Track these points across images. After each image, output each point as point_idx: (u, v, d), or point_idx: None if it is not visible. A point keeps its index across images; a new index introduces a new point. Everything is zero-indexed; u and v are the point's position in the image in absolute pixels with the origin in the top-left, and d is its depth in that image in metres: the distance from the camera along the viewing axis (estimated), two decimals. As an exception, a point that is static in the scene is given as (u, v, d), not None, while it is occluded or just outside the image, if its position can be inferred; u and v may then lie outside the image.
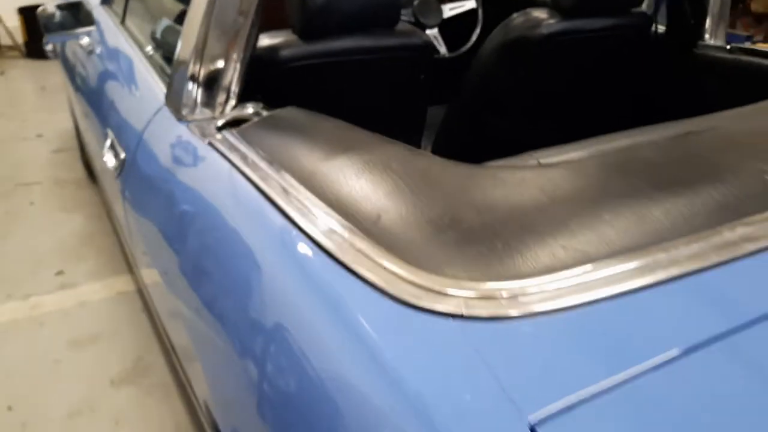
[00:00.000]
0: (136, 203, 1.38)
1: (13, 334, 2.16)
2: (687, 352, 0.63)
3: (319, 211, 0.82)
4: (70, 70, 2.40)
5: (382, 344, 0.66)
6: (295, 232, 0.82)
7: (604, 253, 0.73)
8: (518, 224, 0.79)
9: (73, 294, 2.36)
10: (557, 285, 0.69)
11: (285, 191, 0.88)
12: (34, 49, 5.04)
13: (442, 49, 2.31)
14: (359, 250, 0.75)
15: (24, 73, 4.82)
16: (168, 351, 2.05)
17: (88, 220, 2.84)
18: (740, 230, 0.78)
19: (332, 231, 0.79)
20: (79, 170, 3.23)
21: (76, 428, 1.80)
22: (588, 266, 0.71)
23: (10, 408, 1.87)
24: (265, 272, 0.84)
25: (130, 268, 2.48)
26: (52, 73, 4.50)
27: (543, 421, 0.56)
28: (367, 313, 0.69)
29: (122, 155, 1.44)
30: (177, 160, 1.17)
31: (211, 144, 1.09)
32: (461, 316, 0.66)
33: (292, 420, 0.73)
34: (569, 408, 0.58)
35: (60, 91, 3.82)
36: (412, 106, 1.66)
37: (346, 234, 0.77)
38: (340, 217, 0.80)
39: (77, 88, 2.22)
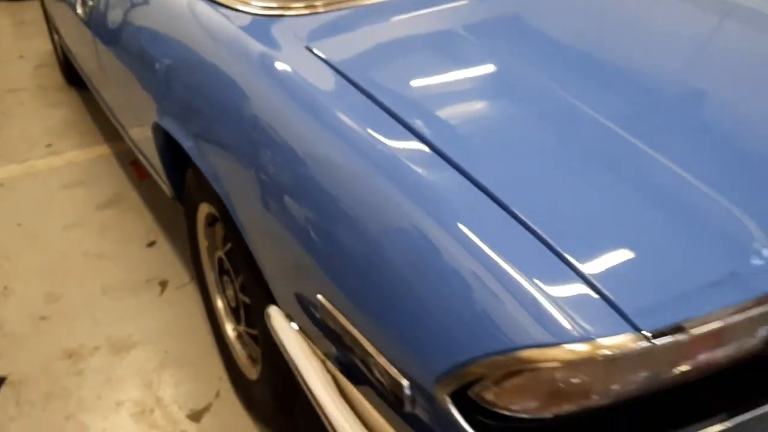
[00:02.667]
0: (105, 35, 1.93)
1: (16, 183, 2.73)
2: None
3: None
4: None
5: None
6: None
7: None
8: None
9: (62, 158, 2.92)
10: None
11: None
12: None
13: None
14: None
15: (3, 11, 5.29)
16: (137, 184, 2.63)
17: (70, 112, 3.38)
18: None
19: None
20: (59, 78, 3.76)
21: (71, 235, 2.38)
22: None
23: (19, 224, 2.44)
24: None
25: (107, 139, 3.05)
26: (30, 9, 4.99)
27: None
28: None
29: (90, 2, 1.99)
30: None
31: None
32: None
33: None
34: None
35: (38, 23, 4.31)
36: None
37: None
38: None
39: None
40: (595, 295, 0.74)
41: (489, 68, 1.16)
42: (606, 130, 0.97)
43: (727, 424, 0.82)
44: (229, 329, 1.67)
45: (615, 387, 0.78)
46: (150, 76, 1.56)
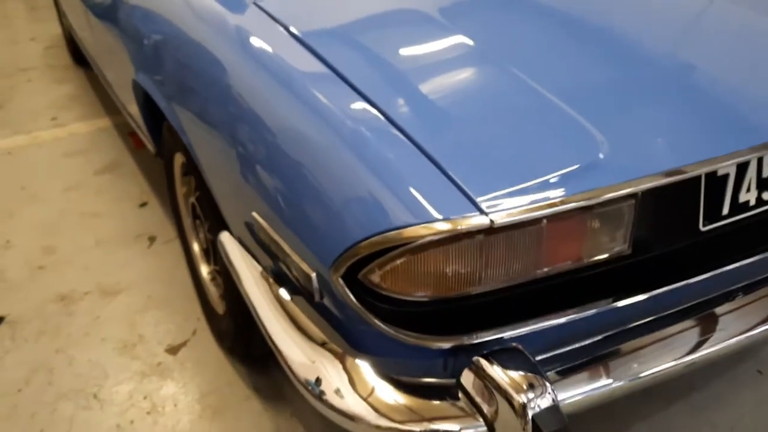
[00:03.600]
0: (95, 8, 2.09)
1: (21, 152, 2.91)
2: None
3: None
4: None
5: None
6: None
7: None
8: None
9: (65, 129, 3.10)
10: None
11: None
12: (24, -22, 5.69)
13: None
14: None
15: (16, -2, 5.53)
16: (134, 152, 2.79)
17: (75, 88, 3.56)
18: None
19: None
20: (67, 58, 3.94)
21: (70, 196, 2.55)
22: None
23: (23, 188, 2.62)
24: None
25: (108, 112, 3.22)
26: (40, -5, 5.20)
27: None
28: None
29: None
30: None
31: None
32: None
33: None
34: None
35: (50, 8, 4.49)
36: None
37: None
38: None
39: None
40: (453, 186, 0.88)
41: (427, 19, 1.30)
42: (501, 67, 1.12)
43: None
44: (204, 271, 1.82)
45: (487, 272, 0.92)
46: (127, 37, 1.72)
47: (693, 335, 1.10)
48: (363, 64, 1.11)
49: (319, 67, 1.12)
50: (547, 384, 0.87)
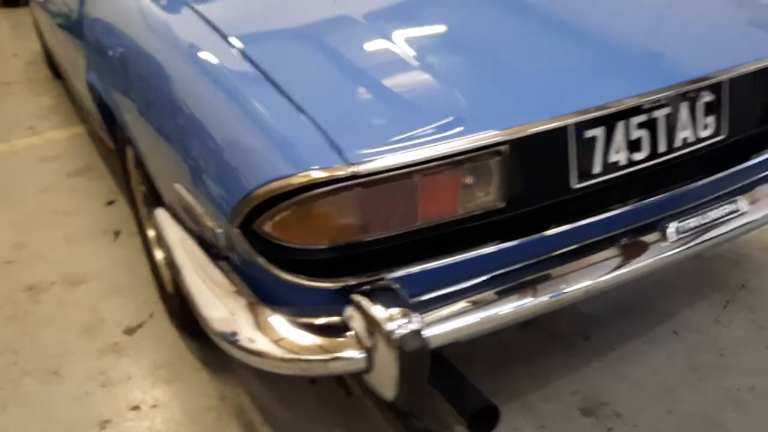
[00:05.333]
0: (57, 18, 2.24)
1: (-1, 159, 3.06)
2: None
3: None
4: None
5: None
6: None
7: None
8: None
9: (41, 137, 3.24)
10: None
11: None
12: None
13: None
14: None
15: (2, 16, 5.70)
16: (106, 156, 2.93)
17: (53, 99, 3.71)
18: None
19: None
20: (47, 73, 4.09)
21: (43, 197, 2.68)
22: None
23: (-2, 191, 2.76)
24: None
25: (83, 120, 3.36)
26: (26, 14, 5.36)
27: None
28: None
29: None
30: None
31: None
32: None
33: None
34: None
35: (30, 26, 4.66)
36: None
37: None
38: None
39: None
40: (326, 140, 1.00)
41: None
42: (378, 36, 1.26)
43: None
44: (159, 256, 1.95)
45: (368, 222, 1.05)
46: (80, 41, 1.86)
47: (569, 280, 1.22)
48: (268, 47, 1.25)
49: (226, 49, 1.25)
50: (412, 314, 0.99)
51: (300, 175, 0.97)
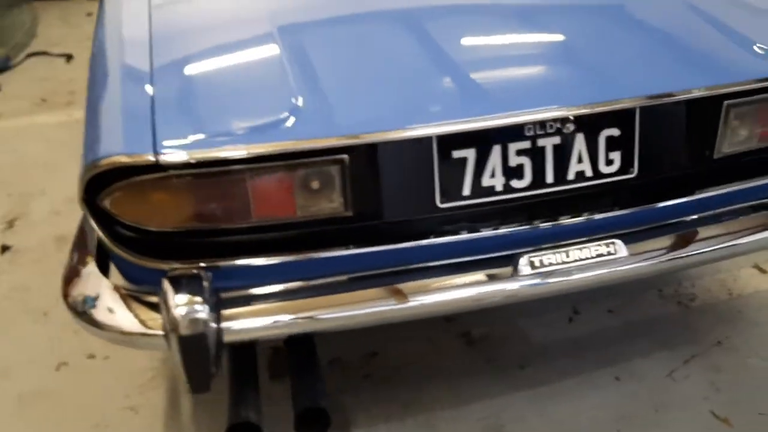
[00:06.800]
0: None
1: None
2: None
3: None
4: None
5: None
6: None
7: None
8: None
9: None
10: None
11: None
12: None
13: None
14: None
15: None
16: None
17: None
18: None
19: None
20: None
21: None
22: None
23: None
24: None
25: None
26: None
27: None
28: None
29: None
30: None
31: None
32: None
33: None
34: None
35: None
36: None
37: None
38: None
39: None
40: (149, 126, 1.06)
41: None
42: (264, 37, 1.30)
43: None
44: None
45: (196, 212, 1.10)
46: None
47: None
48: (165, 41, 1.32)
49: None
50: (204, 305, 1.04)
51: (108, 158, 1.03)
